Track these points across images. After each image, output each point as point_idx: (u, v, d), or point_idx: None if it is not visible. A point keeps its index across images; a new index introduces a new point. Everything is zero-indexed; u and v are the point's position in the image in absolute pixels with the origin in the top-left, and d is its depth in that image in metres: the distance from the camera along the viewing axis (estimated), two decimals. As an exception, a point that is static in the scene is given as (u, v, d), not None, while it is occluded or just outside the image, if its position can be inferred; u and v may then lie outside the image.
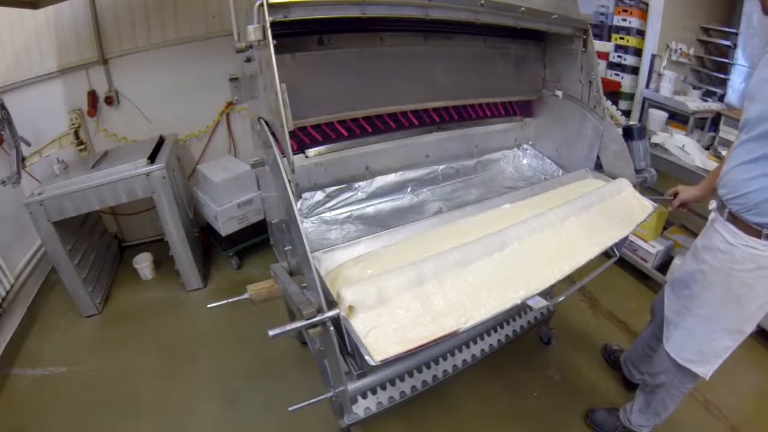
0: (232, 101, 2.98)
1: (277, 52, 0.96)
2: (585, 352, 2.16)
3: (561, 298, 1.30)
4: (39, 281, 2.71)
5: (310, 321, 0.93)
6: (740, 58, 2.53)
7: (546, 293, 1.21)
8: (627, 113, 2.87)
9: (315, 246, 1.22)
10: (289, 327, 0.92)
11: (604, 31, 2.91)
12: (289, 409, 1.36)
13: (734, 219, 1.20)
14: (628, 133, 1.56)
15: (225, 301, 1.34)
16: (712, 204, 1.33)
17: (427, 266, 1.04)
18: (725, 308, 1.28)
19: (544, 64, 1.90)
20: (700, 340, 1.35)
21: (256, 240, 2.93)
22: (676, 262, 2.35)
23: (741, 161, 1.17)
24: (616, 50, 2.88)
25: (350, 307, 0.91)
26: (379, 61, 1.57)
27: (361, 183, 1.71)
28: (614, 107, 2.80)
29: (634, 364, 1.89)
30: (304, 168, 1.57)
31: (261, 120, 1.25)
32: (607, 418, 1.75)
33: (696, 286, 1.35)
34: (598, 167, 1.69)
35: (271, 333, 0.91)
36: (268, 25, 0.95)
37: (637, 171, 1.55)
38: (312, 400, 1.41)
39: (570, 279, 1.17)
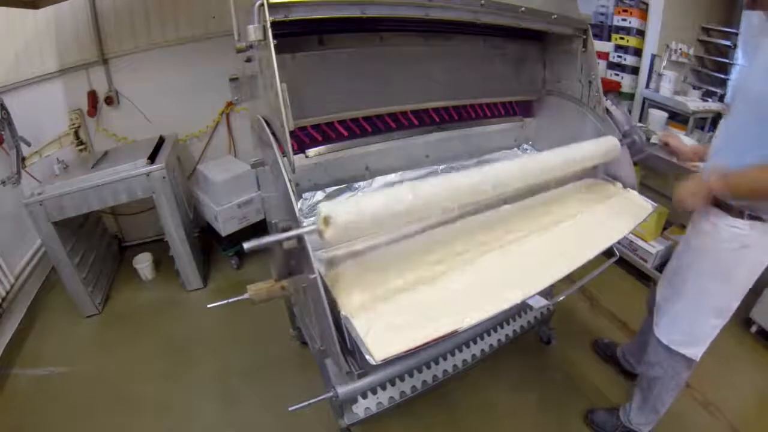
0: (232, 101, 2.98)
1: (277, 52, 0.96)
2: (585, 352, 2.16)
3: (561, 298, 1.30)
4: (39, 281, 2.71)
5: (286, 234, 0.91)
6: (740, 58, 2.53)
7: (546, 292, 1.22)
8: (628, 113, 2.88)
9: (316, 246, 1.23)
10: (265, 240, 0.90)
11: (604, 31, 2.91)
12: (289, 409, 1.36)
13: (718, 203, 1.27)
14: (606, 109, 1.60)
15: (225, 301, 1.34)
16: None
17: (427, 266, 1.04)
18: (713, 287, 1.34)
19: (544, 64, 1.90)
20: (688, 321, 1.41)
21: (256, 240, 2.93)
22: (675, 261, 2.35)
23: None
24: (616, 50, 2.88)
25: (325, 219, 0.91)
26: (379, 61, 1.57)
27: (361, 183, 1.71)
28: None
29: (634, 355, 1.93)
30: (304, 168, 1.57)
31: (261, 120, 1.25)
32: (608, 418, 1.75)
33: (686, 269, 1.41)
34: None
35: (246, 245, 0.89)
36: (268, 24, 0.96)
37: (625, 135, 1.57)
38: (312, 400, 1.41)
39: (570, 278, 1.17)
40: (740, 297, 1.34)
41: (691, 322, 1.40)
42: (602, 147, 1.48)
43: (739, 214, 1.23)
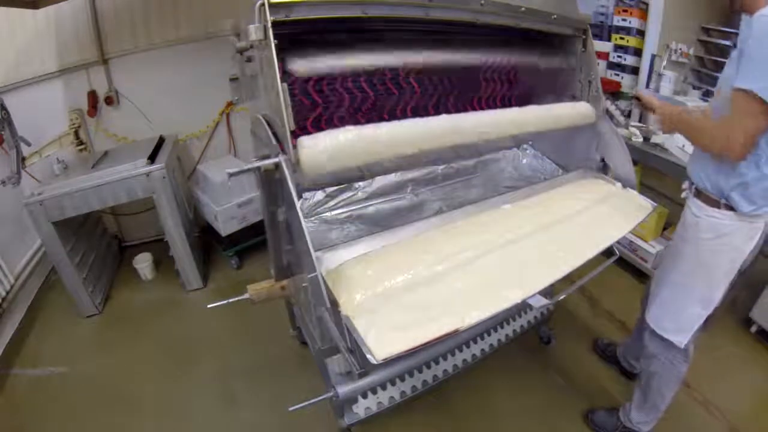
0: (232, 101, 2.99)
1: (277, 51, 0.96)
2: (585, 352, 2.16)
3: (561, 297, 1.31)
4: (39, 281, 2.72)
5: (266, 161, 0.98)
6: (740, 58, 2.52)
7: (546, 292, 1.23)
8: (627, 114, 2.87)
9: (316, 245, 1.23)
10: (247, 166, 1.00)
11: (604, 31, 2.91)
12: (289, 409, 1.37)
13: (699, 193, 1.35)
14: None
15: (225, 301, 1.34)
16: (685, 184, 1.45)
17: (427, 266, 1.04)
18: (695, 277, 1.39)
19: (543, 64, 1.89)
20: (675, 310, 1.45)
21: (256, 240, 2.93)
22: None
23: None
24: (616, 50, 2.88)
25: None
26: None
27: (361, 183, 1.71)
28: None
29: (633, 355, 1.94)
30: (304, 168, 1.57)
31: (262, 119, 1.25)
32: (608, 418, 1.75)
33: (670, 258, 1.47)
34: (598, 166, 1.69)
35: (228, 170, 0.96)
36: (269, 24, 0.96)
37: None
38: (312, 400, 1.41)
39: (570, 278, 1.18)
40: (723, 287, 1.37)
41: (677, 309, 1.44)
42: (576, 108, 1.56)
43: (715, 204, 1.29)
